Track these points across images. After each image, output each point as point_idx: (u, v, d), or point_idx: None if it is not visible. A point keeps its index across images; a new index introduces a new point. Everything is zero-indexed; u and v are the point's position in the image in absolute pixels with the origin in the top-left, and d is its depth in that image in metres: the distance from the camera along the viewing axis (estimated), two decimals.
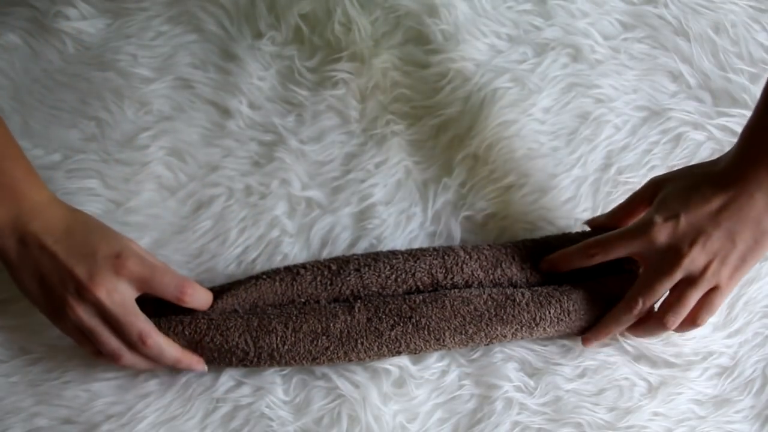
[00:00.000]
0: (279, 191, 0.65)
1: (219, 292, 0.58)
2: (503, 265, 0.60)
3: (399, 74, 0.69)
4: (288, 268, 0.59)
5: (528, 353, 0.61)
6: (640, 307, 0.55)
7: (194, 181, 0.65)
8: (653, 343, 0.61)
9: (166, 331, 0.56)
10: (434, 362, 0.60)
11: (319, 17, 0.70)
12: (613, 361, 0.61)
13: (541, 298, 0.58)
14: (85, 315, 0.52)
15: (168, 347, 0.55)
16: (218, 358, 0.57)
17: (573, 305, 0.58)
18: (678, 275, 0.54)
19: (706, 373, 0.61)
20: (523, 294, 0.58)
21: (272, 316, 0.57)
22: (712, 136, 0.68)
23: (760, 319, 0.63)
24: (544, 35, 0.70)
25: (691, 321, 0.56)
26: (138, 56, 0.68)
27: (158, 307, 0.57)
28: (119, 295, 0.52)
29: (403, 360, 0.60)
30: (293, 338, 0.56)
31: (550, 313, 0.57)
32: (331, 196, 0.65)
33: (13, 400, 0.58)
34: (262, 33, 0.69)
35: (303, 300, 0.58)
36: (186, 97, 0.67)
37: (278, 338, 0.56)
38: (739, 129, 0.68)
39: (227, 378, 0.59)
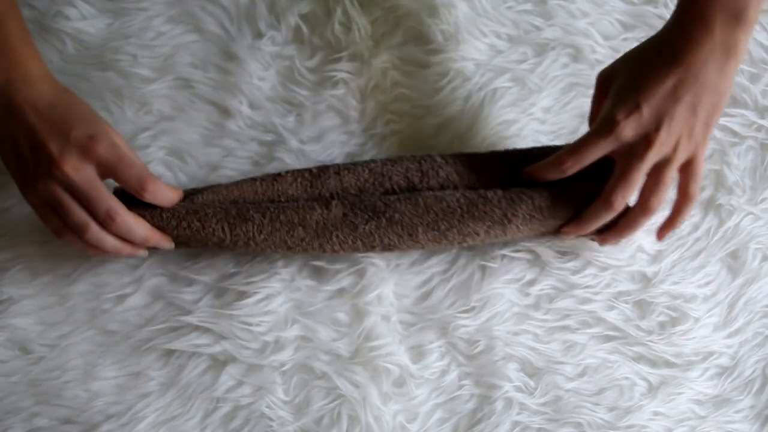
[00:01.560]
0: None
1: (199, 189, 0.60)
2: (478, 170, 0.61)
3: (399, 74, 0.69)
4: (269, 174, 0.61)
5: (528, 353, 0.61)
6: (618, 200, 0.55)
7: (194, 181, 0.65)
8: (654, 343, 0.61)
9: (143, 211, 0.57)
10: (434, 362, 0.60)
11: (319, 17, 0.70)
12: (614, 361, 0.61)
13: (512, 196, 0.58)
14: (54, 188, 0.53)
15: (136, 225, 0.55)
16: (194, 242, 0.58)
17: (545, 202, 0.58)
18: (651, 160, 0.53)
19: (707, 373, 0.61)
20: (495, 192, 0.58)
21: (250, 207, 0.58)
22: (712, 136, 0.67)
23: (760, 319, 0.63)
24: (544, 35, 0.70)
25: (685, 196, 0.56)
26: (138, 56, 0.68)
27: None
28: (86, 174, 0.53)
29: (403, 359, 0.60)
30: (270, 227, 0.57)
31: (521, 209, 0.57)
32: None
33: (13, 400, 0.58)
34: (262, 33, 0.69)
35: (284, 200, 0.60)
36: (186, 97, 0.67)
37: (255, 227, 0.57)
38: (740, 129, 0.68)
39: (227, 378, 0.59)
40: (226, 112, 0.67)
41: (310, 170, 0.61)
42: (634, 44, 0.70)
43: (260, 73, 0.68)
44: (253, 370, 0.60)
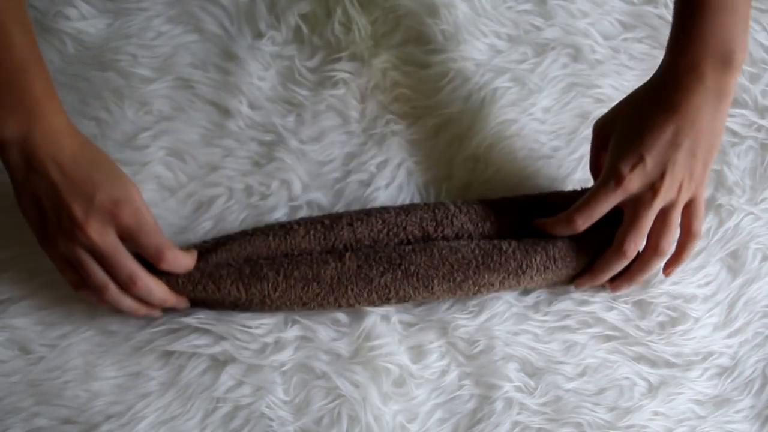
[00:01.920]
0: (279, 192, 0.65)
1: (212, 246, 0.59)
2: (492, 219, 0.61)
3: (399, 74, 0.69)
4: (281, 224, 0.61)
5: (528, 353, 0.61)
6: (631, 247, 0.56)
7: (194, 181, 0.65)
8: (654, 343, 0.61)
9: (158, 276, 0.57)
10: (434, 362, 0.60)
11: (319, 17, 0.70)
12: (614, 361, 0.61)
13: (527, 247, 0.58)
14: (76, 249, 0.53)
15: (156, 288, 0.56)
16: (210, 303, 0.59)
17: (559, 253, 0.58)
18: (658, 206, 0.55)
19: (707, 373, 0.61)
20: (509, 243, 0.59)
21: (264, 265, 0.58)
22: None
23: (760, 319, 0.63)
24: (544, 35, 0.70)
25: (689, 234, 0.58)
26: (138, 56, 0.68)
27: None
28: (110, 238, 0.53)
29: (403, 359, 0.60)
30: (284, 285, 0.57)
31: (536, 261, 0.58)
32: (332, 197, 0.65)
33: (13, 400, 0.58)
34: (262, 33, 0.69)
35: (296, 254, 0.59)
36: (186, 97, 0.67)
37: (269, 285, 0.57)
38: (740, 129, 0.68)
39: (227, 378, 0.59)
40: (226, 112, 0.67)
41: (322, 221, 0.60)
42: (635, 44, 0.71)
43: (260, 73, 0.68)
44: (253, 370, 0.59)
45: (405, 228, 0.60)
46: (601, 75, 0.69)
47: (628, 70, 0.70)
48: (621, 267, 0.58)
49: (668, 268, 0.60)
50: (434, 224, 0.60)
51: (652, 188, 0.55)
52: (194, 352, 0.60)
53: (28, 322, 0.60)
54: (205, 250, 0.59)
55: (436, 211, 0.61)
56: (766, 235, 0.65)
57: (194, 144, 0.66)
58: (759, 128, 0.68)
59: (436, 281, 0.58)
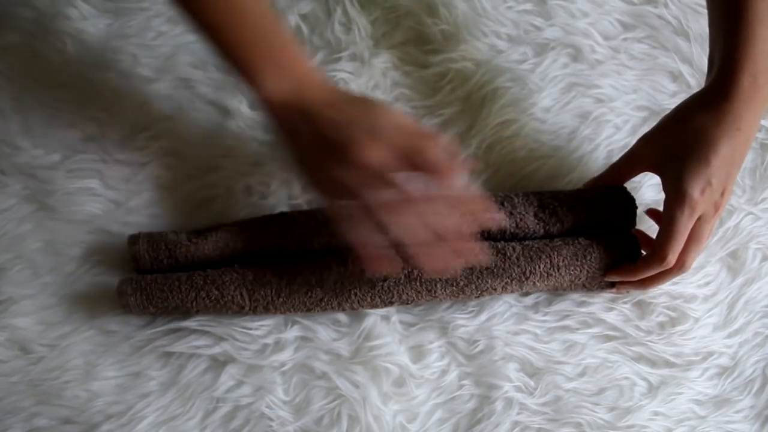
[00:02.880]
0: (279, 191, 0.65)
1: (214, 228, 0.60)
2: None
3: (399, 74, 0.69)
4: (282, 213, 0.61)
5: (528, 353, 0.61)
6: (673, 258, 0.56)
7: (194, 181, 0.65)
8: (654, 343, 0.61)
9: (161, 286, 0.57)
10: (434, 362, 0.60)
11: (319, 17, 0.70)
12: (614, 361, 0.61)
13: (531, 253, 0.58)
14: (345, 176, 0.51)
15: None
16: (214, 311, 0.59)
17: (563, 261, 0.58)
18: (715, 220, 0.57)
19: (707, 373, 0.61)
20: (513, 248, 0.59)
21: (267, 270, 0.58)
22: None
23: (760, 319, 0.63)
24: (544, 35, 0.70)
25: (700, 245, 0.58)
26: (138, 56, 0.68)
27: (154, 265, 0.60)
28: (385, 156, 0.51)
29: (403, 359, 0.60)
30: (288, 290, 0.57)
31: (539, 267, 0.58)
32: None
33: (13, 400, 0.58)
34: None
35: (296, 240, 0.59)
36: (186, 97, 0.67)
37: (273, 290, 0.57)
38: None
39: (227, 378, 0.59)
40: (226, 112, 0.67)
41: (322, 212, 0.60)
42: (635, 44, 0.71)
43: None
44: (253, 370, 0.60)
45: None
46: (601, 75, 0.69)
47: (628, 70, 0.70)
48: (653, 272, 0.58)
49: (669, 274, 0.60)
50: None
51: (715, 206, 0.56)
52: (194, 352, 0.60)
53: (28, 322, 0.60)
54: (207, 229, 0.60)
55: None
56: (766, 235, 0.65)
57: (194, 144, 0.66)
58: (759, 128, 0.68)
59: (439, 285, 0.58)
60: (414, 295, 0.58)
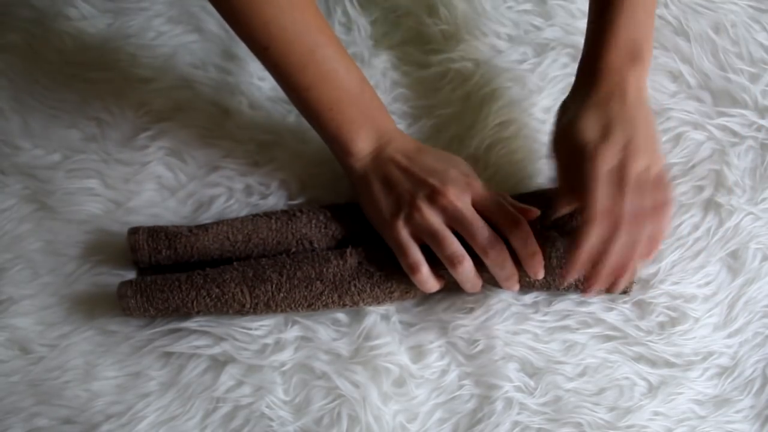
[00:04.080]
0: (279, 191, 0.65)
1: (215, 222, 0.60)
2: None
3: (399, 74, 0.69)
4: (284, 211, 0.62)
5: (528, 353, 0.61)
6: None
7: (194, 181, 0.65)
8: (654, 343, 0.61)
9: (161, 287, 0.57)
10: (434, 362, 0.60)
11: None
12: (614, 360, 0.61)
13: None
14: (433, 217, 0.55)
15: (532, 237, 0.55)
16: (215, 310, 0.58)
17: (555, 253, 0.58)
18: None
19: (707, 373, 0.61)
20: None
21: (266, 266, 0.58)
22: (712, 136, 0.67)
23: (760, 319, 0.63)
24: (544, 35, 0.70)
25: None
26: (138, 56, 0.68)
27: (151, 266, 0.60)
28: (468, 204, 0.56)
29: (403, 359, 0.60)
30: (288, 285, 0.58)
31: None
32: (333, 197, 0.65)
33: (13, 400, 0.58)
34: None
35: (297, 238, 0.60)
36: (186, 97, 0.67)
37: (273, 286, 0.57)
38: (740, 129, 0.68)
39: (227, 378, 0.59)
40: (226, 112, 0.67)
41: (324, 212, 0.61)
42: None
43: (260, 73, 0.68)
44: (253, 370, 0.60)
45: None
46: None
47: None
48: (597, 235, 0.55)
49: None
50: None
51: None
52: (194, 352, 0.60)
53: (28, 322, 0.60)
54: (208, 224, 0.60)
55: None
56: (766, 235, 0.65)
57: (194, 144, 0.66)
58: (759, 128, 0.68)
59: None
60: (412, 284, 0.58)
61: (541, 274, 0.56)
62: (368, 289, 0.58)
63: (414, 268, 0.56)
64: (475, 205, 0.56)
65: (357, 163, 0.58)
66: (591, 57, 0.57)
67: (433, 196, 0.55)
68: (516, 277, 0.57)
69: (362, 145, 0.58)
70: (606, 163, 0.51)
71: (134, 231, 0.60)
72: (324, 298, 0.58)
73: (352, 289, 0.58)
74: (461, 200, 0.55)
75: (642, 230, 0.52)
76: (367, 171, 0.58)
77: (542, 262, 0.56)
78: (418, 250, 0.56)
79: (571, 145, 0.54)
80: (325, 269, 0.58)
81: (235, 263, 0.59)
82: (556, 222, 0.60)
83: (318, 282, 0.58)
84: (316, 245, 0.60)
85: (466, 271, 0.56)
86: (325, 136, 0.59)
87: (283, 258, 0.59)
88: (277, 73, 0.57)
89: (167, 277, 0.58)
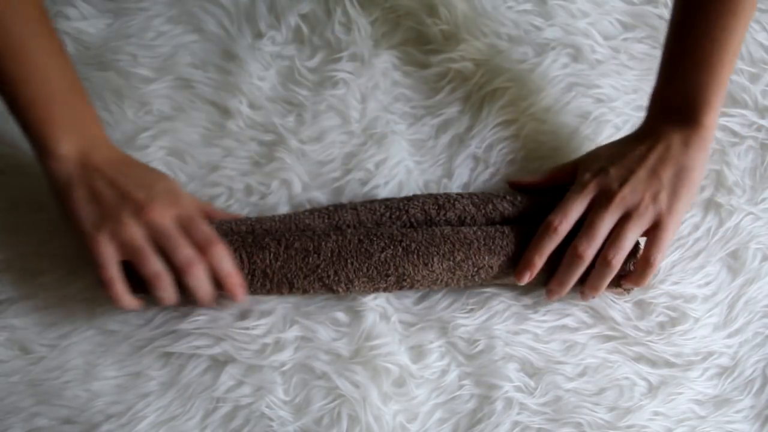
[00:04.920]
0: (279, 191, 0.65)
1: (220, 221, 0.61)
2: (494, 201, 0.61)
3: (399, 74, 0.69)
4: (287, 214, 0.62)
5: (528, 353, 0.61)
6: (583, 249, 0.57)
7: (194, 181, 0.65)
8: (654, 343, 0.61)
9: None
10: (434, 362, 0.60)
11: (319, 17, 0.70)
12: (614, 360, 0.61)
13: (530, 233, 0.59)
14: (137, 233, 0.54)
15: (206, 280, 0.56)
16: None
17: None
18: (613, 213, 0.57)
19: (707, 373, 0.61)
20: (512, 228, 0.59)
21: (266, 235, 0.59)
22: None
23: (760, 319, 0.63)
24: (544, 35, 0.70)
25: (645, 261, 0.58)
26: (138, 56, 0.68)
27: None
28: (171, 221, 0.55)
29: (403, 359, 0.60)
30: (285, 255, 0.58)
31: None
32: (332, 196, 0.65)
33: (13, 400, 0.58)
34: (263, 33, 0.69)
35: (301, 229, 0.60)
36: (186, 97, 0.67)
37: (271, 254, 0.58)
38: (740, 129, 0.68)
39: (227, 378, 0.59)
40: (226, 112, 0.67)
41: (327, 207, 0.62)
42: (635, 44, 0.71)
43: (260, 73, 0.68)
44: (253, 370, 0.60)
45: (408, 211, 0.61)
46: (601, 75, 0.69)
47: (628, 70, 0.70)
48: (579, 271, 0.58)
49: (626, 283, 0.60)
50: (436, 208, 0.61)
51: (610, 192, 0.57)
52: (194, 352, 0.60)
53: (28, 322, 0.60)
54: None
55: (438, 197, 0.62)
56: (766, 235, 0.65)
57: (194, 144, 0.66)
58: (759, 128, 0.68)
59: (436, 259, 0.58)
60: (410, 269, 0.58)
61: (240, 298, 0.57)
62: (365, 269, 0.58)
63: (107, 285, 0.55)
64: (179, 223, 0.56)
65: (60, 168, 0.55)
66: (648, 114, 0.61)
67: (139, 212, 0.54)
68: (212, 299, 0.57)
69: (66, 148, 0.55)
70: (583, 195, 0.58)
71: None
72: (320, 271, 0.58)
73: (349, 266, 0.58)
74: (166, 217, 0.55)
75: (586, 261, 0.58)
76: (71, 178, 0.55)
77: (237, 285, 0.56)
78: (114, 267, 0.55)
79: (579, 163, 0.61)
80: (323, 243, 0.58)
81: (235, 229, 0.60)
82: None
83: (315, 255, 0.58)
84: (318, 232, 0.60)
85: (163, 288, 0.55)
86: (28, 133, 0.55)
87: (284, 232, 0.59)
88: None
89: None
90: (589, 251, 0.57)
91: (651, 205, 0.57)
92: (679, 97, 0.58)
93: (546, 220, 0.58)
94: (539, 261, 0.58)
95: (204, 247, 0.55)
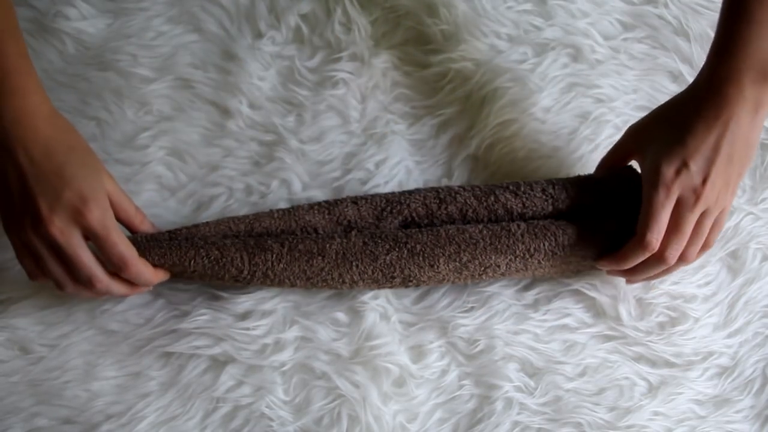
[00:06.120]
0: (279, 191, 0.65)
1: (212, 222, 0.60)
2: (497, 192, 0.60)
3: (399, 74, 0.69)
4: (286, 209, 0.61)
5: (528, 353, 0.61)
6: (673, 252, 0.56)
7: (194, 181, 0.65)
8: (654, 343, 0.61)
9: (160, 243, 0.57)
10: (434, 362, 0.60)
11: (319, 17, 0.70)
12: (614, 360, 0.61)
13: (536, 230, 0.58)
14: (37, 243, 0.52)
15: (117, 289, 0.55)
16: (211, 273, 0.57)
17: (568, 240, 0.58)
18: (699, 211, 0.55)
19: (707, 373, 0.61)
20: (518, 225, 0.58)
21: (268, 237, 0.58)
22: None
23: (760, 319, 0.63)
24: (544, 35, 0.70)
25: (707, 245, 0.57)
26: (138, 56, 0.68)
27: None
28: (72, 239, 0.52)
29: (403, 359, 0.60)
30: (288, 257, 0.57)
31: (544, 246, 0.57)
32: (332, 196, 0.65)
33: (13, 400, 0.58)
34: (262, 33, 0.69)
35: (302, 226, 0.59)
36: (186, 97, 0.67)
37: (274, 256, 0.57)
38: None
39: (227, 378, 0.59)
40: (226, 112, 0.67)
41: (326, 201, 0.61)
42: (635, 44, 0.71)
43: (260, 73, 0.68)
44: (253, 370, 0.59)
45: (409, 205, 0.60)
46: (601, 75, 0.69)
47: (628, 70, 0.70)
48: (662, 269, 0.57)
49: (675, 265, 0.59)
50: (437, 201, 0.60)
51: (695, 193, 0.54)
52: (194, 353, 0.60)
53: (28, 322, 0.60)
54: (209, 221, 0.60)
55: (440, 190, 0.61)
56: (766, 235, 0.65)
57: (194, 144, 0.66)
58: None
59: (441, 260, 0.57)
60: (416, 271, 0.58)
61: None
62: (370, 272, 0.57)
63: (33, 276, 0.55)
64: (89, 235, 0.53)
65: None
66: (714, 65, 0.54)
67: (37, 224, 0.51)
68: (127, 292, 0.57)
69: None
70: (670, 200, 0.55)
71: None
72: (324, 274, 0.57)
73: (354, 269, 0.57)
74: (64, 234, 0.51)
75: (671, 263, 0.56)
76: None
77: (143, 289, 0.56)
78: (27, 259, 0.53)
79: (646, 154, 0.57)
80: (328, 245, 0.57)
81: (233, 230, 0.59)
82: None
83: (319, 258, 0.57)
84: (321, 232, 0.60)
85: (71, 292, 0.55)
86: None
87: (285, 232, 0.59)
88: None
89: (167, 233, 0.58)
90: (677, 254, 0.56)
91: (725, 194, 0.56)
92: (753, 48, 0.52)
93: (644, 237, 0.55)
94: (627, 266, 0.58)
95: (118, 268, 0.54)
